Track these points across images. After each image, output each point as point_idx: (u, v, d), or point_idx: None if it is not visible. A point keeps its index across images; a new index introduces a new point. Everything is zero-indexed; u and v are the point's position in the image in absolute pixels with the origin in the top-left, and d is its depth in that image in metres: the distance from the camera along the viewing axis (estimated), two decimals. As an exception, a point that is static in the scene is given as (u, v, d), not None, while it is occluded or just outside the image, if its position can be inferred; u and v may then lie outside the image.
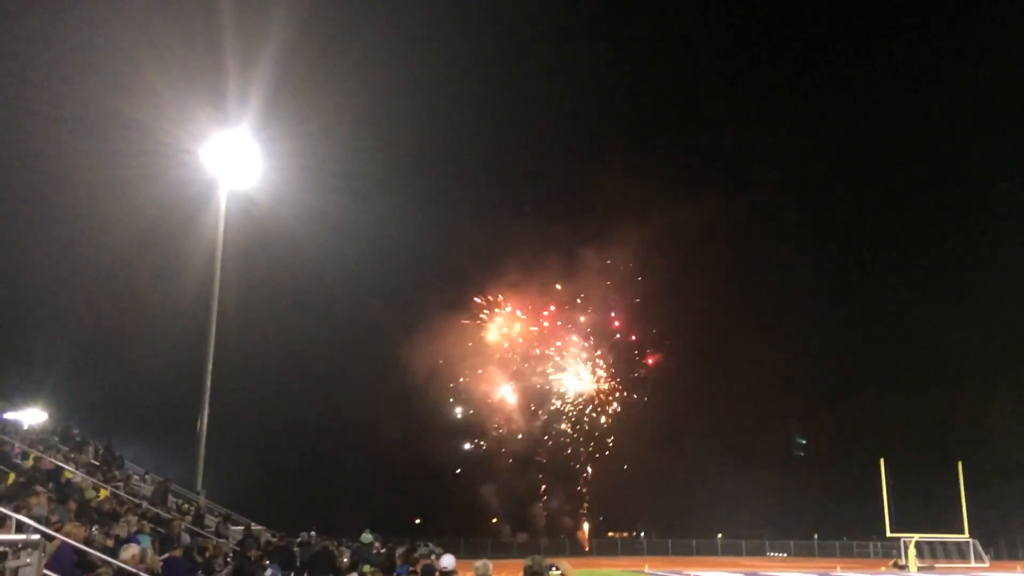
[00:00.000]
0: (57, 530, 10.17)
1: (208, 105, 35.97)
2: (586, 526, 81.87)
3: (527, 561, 6.06)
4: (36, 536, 3.73)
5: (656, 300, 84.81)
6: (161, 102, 40.44)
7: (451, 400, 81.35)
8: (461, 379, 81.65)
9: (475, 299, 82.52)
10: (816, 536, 73.85)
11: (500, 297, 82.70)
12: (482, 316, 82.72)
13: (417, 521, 77.38)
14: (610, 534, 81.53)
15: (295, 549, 21.05)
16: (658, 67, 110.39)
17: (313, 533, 23.45)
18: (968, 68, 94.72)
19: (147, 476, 29.93)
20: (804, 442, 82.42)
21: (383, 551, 20.70)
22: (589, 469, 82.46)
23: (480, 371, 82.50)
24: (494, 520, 78.91)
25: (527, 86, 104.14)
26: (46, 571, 8.65)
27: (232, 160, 32.01)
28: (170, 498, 27.60)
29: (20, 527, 9.42)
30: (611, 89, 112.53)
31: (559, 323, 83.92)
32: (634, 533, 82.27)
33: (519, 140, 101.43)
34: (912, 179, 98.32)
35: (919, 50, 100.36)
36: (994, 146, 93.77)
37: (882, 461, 56.92)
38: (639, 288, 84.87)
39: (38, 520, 10.36)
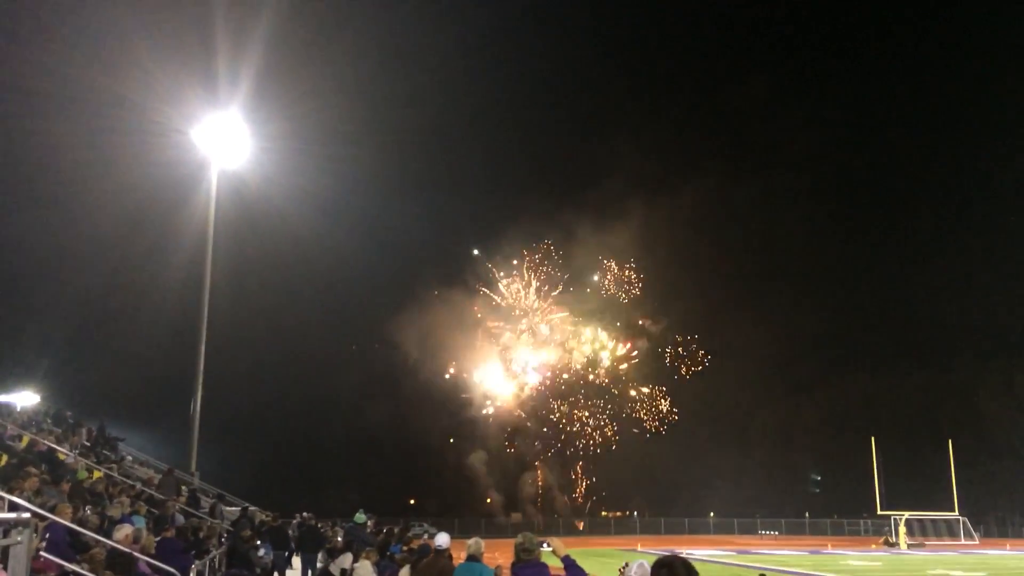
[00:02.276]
0: (50, 511, 10.18)
1: (199, 85, 35.80)
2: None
3: (518, 538, 6.08)
4: (27, 515, 3.72)
5: (654, 278, 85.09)
6: (152, 81, 40.24)
7: (445, 373, 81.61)
8: (451, 358, 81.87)
9: (469, 275, 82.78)
10: (807, 514, 74.41)
11: (497, 273, 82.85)
12: (478, 290, 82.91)
13: (412, 501, 77.76)
14: (603, 513, 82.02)
15: (289, 530, 21.15)
16: (665, 44, 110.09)
17: (306, 514, 23.52)
18: (973, 63, 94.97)
19: (143, 463, 29.94)
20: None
21: (377, 531, 20.81)
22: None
23: (476, 345, 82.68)
24: (488, 500, 79.27)
25: (526, 64, 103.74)
26: (41, 552, 8.67)
27: (223, 141, 31.87)
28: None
29: (13, 508, 9.43)
30: (615, 65, 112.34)
31: (555, 295, 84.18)
32: (627, 512, 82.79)
33: (517, 118, 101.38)
34: (910, 166, 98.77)
35: (927, 40, 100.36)
36: (994, 136, 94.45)
37: (873, 440, 57.31)
38: (638, 266, 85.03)
39: (30, 501, 10.37)
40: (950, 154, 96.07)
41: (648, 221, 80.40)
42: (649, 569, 4.20)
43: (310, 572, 18.81)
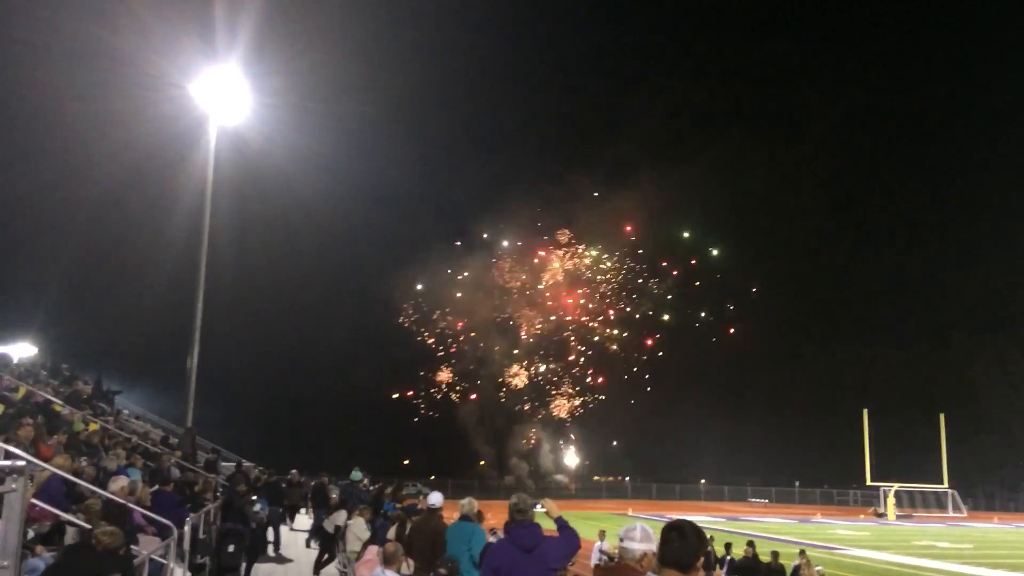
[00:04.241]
0: (46, 461, 10.22)
1: (196, 37, 35.15)
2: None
3: (513, 499, 6.10)
4: (22, 463, 3.71)
5: (649, 242, 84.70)
6: (147, 32, 39.49)
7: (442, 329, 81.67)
8: (448, 316, 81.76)
9: (471, 234, 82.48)
10: (797, 483, 75.08)
11: (496, 236, 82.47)
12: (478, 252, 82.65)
13: (405, 462, 78.23)
14: (596, 478, 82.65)
15: (283, 486, 21.31)
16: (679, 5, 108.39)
17: (295, 472, 23.75)
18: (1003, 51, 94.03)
19: (139, 417, 30.04)
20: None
21: (371, 489, 20.96)
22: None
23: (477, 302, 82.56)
24: (480, 461, 79.78)
25: (537, 17, 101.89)
26: (36, 501, 8.71)
27: (222, 96, 31.45)
28: (160, 434, 27.81)
29: (8, 456, 9.45)
30: (631, 24, 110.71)
31: (561, 258, 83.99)
32: (619, 477, 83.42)
33: (526, 74, 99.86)
34: (907, 140, 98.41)
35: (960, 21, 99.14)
36: (999, 118, 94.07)
37: (865, 412, 57.70)
38: (636, 231, 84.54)
39: (26, 451, 10.40)
40: (953, 131, 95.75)
41: (656, 183, 79.79)
42: (649, 531, 4.21)
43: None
